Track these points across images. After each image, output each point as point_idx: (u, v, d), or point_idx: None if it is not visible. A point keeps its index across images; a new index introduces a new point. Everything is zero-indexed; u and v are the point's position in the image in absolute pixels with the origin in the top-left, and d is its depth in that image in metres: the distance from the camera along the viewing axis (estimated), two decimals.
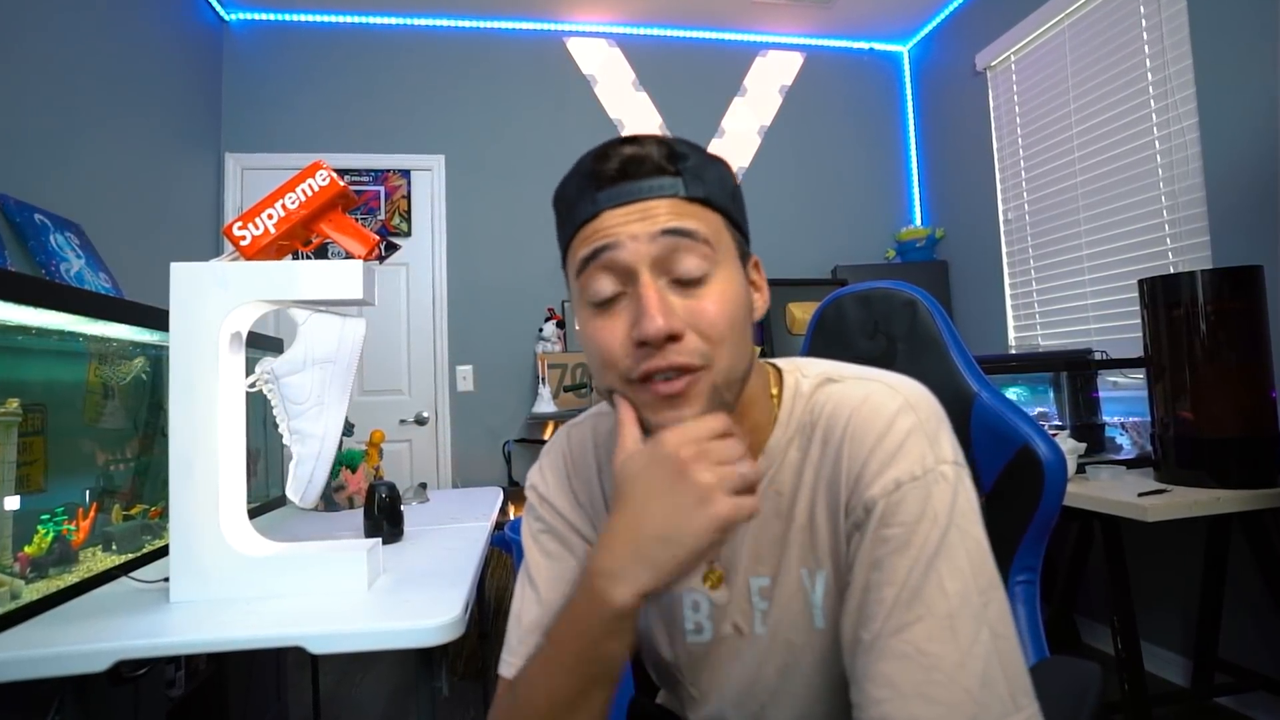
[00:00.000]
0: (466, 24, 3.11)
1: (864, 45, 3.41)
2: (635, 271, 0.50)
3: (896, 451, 0.50)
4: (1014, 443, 0.80)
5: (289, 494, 1.01)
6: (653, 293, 0.49)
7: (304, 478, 1.00)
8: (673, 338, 0.48)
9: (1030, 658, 0.75)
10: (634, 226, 0.50)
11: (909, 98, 3.43)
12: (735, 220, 0.55)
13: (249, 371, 1.01)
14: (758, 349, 0.59)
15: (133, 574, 1.03)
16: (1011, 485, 0.80)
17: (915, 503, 0.48)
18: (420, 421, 2.90)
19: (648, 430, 0.52)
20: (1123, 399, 2.11)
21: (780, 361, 0.62)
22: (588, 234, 0.51)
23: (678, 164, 0.51)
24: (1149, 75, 2.12)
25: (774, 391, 0.59)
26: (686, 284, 0.50)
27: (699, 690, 0.62)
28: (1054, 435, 0.99)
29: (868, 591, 0.48)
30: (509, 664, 0.60)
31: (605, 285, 0.51)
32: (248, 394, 1.01)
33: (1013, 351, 2.74)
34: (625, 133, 0.54)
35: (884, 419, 0.52)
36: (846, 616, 0.50)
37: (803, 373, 0.60)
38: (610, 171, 0.51)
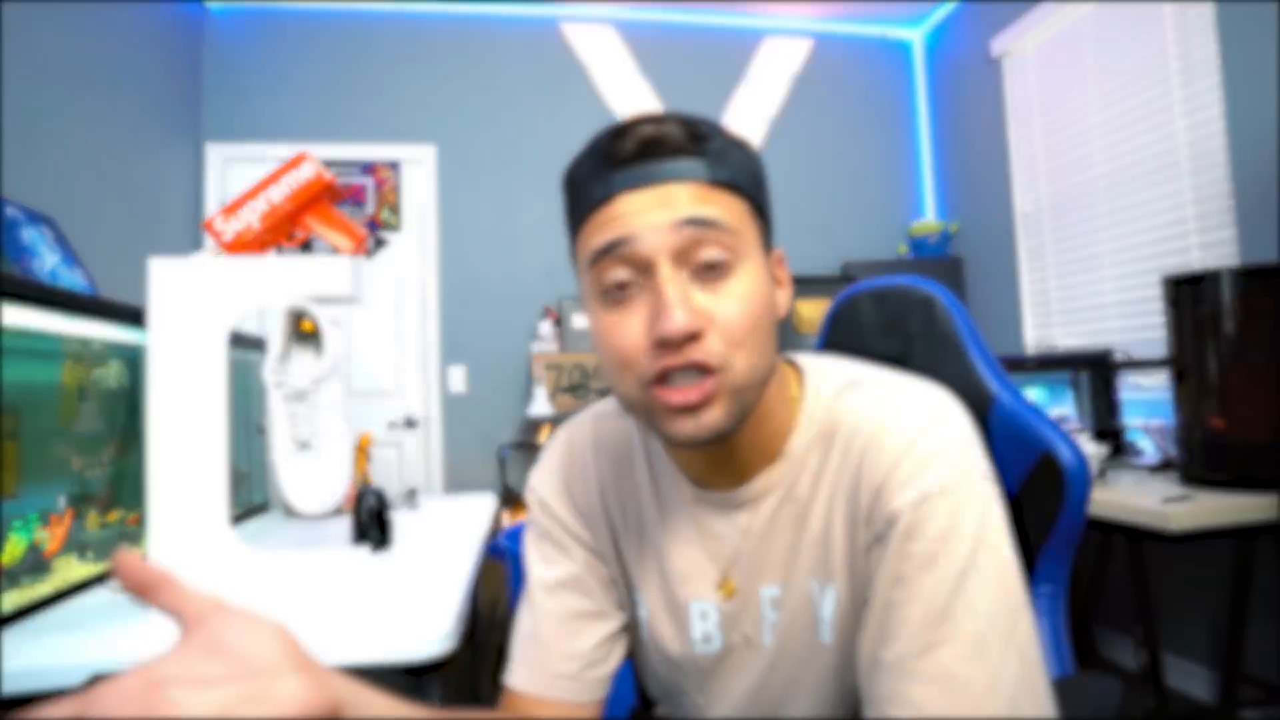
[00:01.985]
0: (459, 8, 3.04)
1: (875, 31, 3.34)
2: (654, 264, 0.47)
3: (923, 463, 0.48)
4: (1035, 448, 0.78)
5: (302, 502, 0.97)
6: (673, 287, 0.46)
7: (342, 479, 0.97)
8: (693, 336, 0.46)
9: (1054, 674, 0.75)
10: (653, 215, 0.47)
11: (921, 86, 3.37)
12: (760, 208, 0.51)
13: (237, 371, 0.98)
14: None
15: (110, 583, 1.00)
16: (1033, 492, 0.78)
17: (943, 517, 0.46)
18: (410, 424, 2.86)
19: (663, 437, 0.50)
20: (1145, 401, 2.07)
21: (801, 359, 0.59)
22: (601, 220, 0.48)
23: (701, 145, 0.48)
24: (1173, 63, 2.06)
25: (795, 394, 0.56)
26: (707, 278, 0.47)
27: (705, 699, 0.60)
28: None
29: (890, 609, 0.46)
30: (510, 671, 0.60)
31: (620, 277, 0.48)
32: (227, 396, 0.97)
33: (1030, 351, 2.70)
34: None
35: (910, 429, 0.49)
36: (865, 633, 0.48)
37: (825, 375, 0.57)
38: (627, 151, 0.48)
